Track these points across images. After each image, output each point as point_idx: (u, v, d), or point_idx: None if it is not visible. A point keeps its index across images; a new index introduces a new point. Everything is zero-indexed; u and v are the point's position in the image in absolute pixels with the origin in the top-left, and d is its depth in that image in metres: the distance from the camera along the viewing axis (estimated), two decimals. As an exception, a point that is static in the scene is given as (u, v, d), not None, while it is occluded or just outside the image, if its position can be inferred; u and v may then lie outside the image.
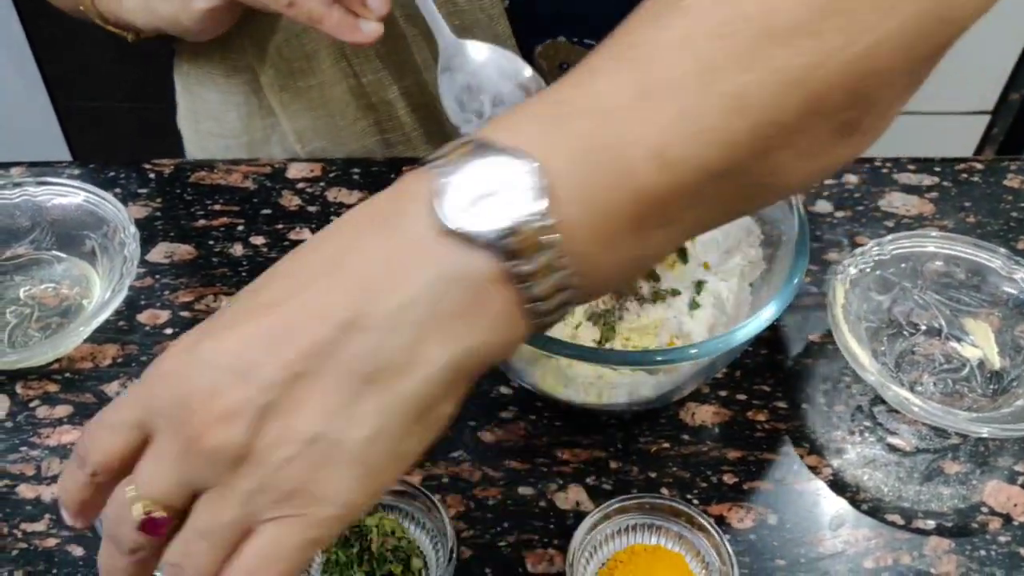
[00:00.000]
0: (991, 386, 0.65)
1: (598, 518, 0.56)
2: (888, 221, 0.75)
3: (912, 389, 0.64)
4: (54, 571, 0.57)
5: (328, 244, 0.38)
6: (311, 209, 0.75)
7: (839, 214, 0.75)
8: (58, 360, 0.66)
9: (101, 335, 0.67)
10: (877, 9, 0.37)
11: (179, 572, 0.37)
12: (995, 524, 0.60)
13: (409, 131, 0.80)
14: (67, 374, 0.66)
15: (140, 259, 0.69)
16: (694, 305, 0.63)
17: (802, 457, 0.62)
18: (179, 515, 0.37)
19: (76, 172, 0.77)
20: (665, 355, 0.55)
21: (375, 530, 0.55)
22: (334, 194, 0.76)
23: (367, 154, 0.81)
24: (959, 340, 0.67)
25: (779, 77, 0.36)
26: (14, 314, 0.69)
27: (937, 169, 0.79)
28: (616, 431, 0.63)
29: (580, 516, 0.58)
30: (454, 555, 0.54)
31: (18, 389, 0.65)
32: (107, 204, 0.69)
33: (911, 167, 0.79)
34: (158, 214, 0.75)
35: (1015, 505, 0.60)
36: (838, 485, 0.61)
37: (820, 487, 0.61)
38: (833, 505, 0.60)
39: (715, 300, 0.63)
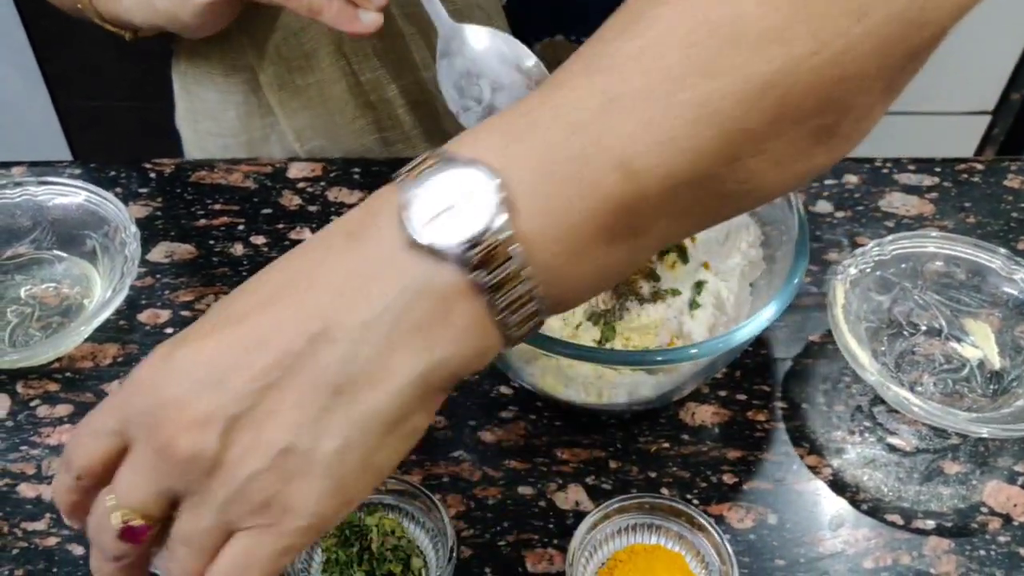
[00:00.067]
0: (991, 386, 0.65)
1: (598, 518, 0.56)
2: (888, 221, 0.75)
3: (912, 389, 0.64)
4: (54, 570, 0.57)
5: (299, 259, 0.38)
6: (311, 209, 0.75)
7: (839, 214, 0.75)
8: (59, 359, 0.66)
9: (102, 334, 0.67)
10: (847, 14, 0.37)
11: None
12: (995, 524, 0.60)
13: (408, 129, 0.80)
14: (68, 373, 0.66)
15: (141, 258, 0.69)
16: (694, 305, 0.63)
17: (802, 457, 0.63)
18: (158, 522, 0.38)
19: (77, 172, 0.77)
20: (665, 355, 0.55)
21: (375, 529, 0.55)
22: (334, 194, 0.76)
23: (366, 152, 0.81)
24: (959, 340, 0.67)
25: (746, 84, 0.36)
26: (15, 313, 0.69)
27: (937, 169, 0.79)
28: (616, 431, 0.63)
29: (580, 516, 0.58)
30: (454, 554, 0.54)
31: (19, 388, 0.65)
32: (108, 204, 0.69)
33: (911, 167, 0.79)
34: (159, 214, 0.75)
35: (1015, 505, 0.60)
36: (838, 485, 0.61)
37: (820, 487, 0.61)
38: (833, 505, 0.60)
39: (715, 300, 0.63)
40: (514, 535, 0.59)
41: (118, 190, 0.76)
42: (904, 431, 0.64)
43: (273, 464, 0.36)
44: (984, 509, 0.60)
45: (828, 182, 0.77)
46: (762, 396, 0.65)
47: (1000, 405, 0.63)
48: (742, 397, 0.65)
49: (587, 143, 0.36)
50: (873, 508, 0.60)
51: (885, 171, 0.78)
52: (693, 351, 0.54)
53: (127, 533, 0.37)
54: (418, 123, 0.80)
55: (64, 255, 0.71)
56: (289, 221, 0.74)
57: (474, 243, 0.35)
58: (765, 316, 0.55)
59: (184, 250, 0.73)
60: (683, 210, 0.39)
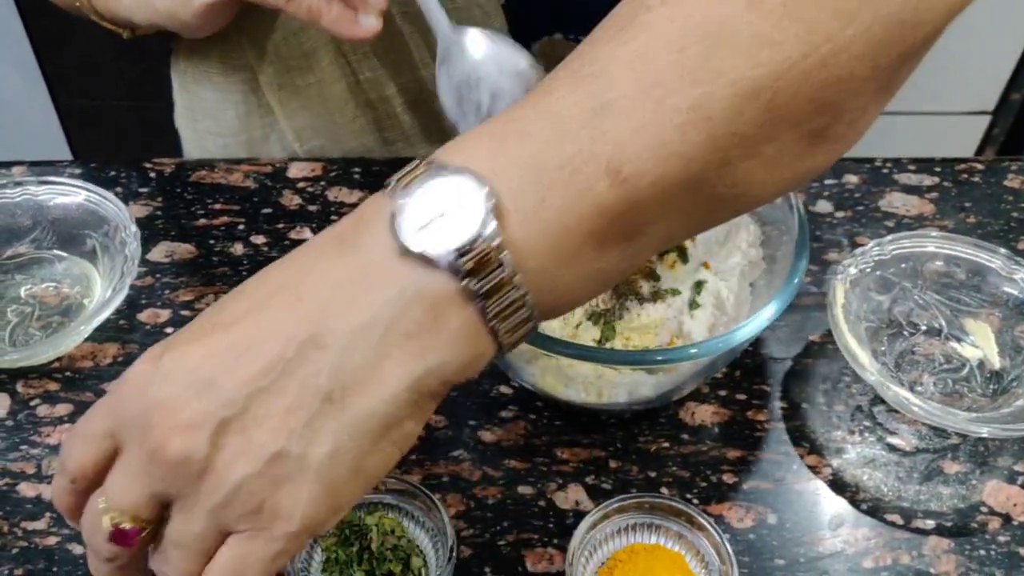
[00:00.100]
0: (991, 386, 0.65)
1: (598, 517, 0.56)
2: (888, 221, 0.75)
3: (912, 389, 0.64)
4: (54, 569, 0.57)
5: (290, 266, 0.38)
6: (312, 208, 0.75)
7: (839, 214, 0.75)
8: (59, 359, 0.66)
9: (102, 334, 0.67)
10: (838, 17, 0.37)
11: None
12: (994, 524, 0.60)
13: (407, 129, 0.80)
14: (68, 373, 0.66)
15: (141, 258, 0.69)
16: (694, 305, 0.63)
17: (802, 457, 0.63)
18: (149, 524, 0.38)
19: (77, 171, 0.77)
20: (665, 355, 0.55)
21: (375, 529, 0.55)
22: (335, 193, 0.76)
23: (365, 152, 0.81)
24: (959, 340, 0.67)
25: (735, 89, 0.36)
26: (15, 313, 0.69)
27: (937, 169, 0.79)
28: (616, 430, 0.63)
29: (580, 515, 0.58)
30: (454, 554, 0.54)
31: (19, 388, 0.65)
32: (108, 203, 0.69)
33: (911, 167, 0.79)
34: (159, 213, 0.75)
35: (1015, 505, 0.61)
36: (838, 485, 0.61)
37: (820, 487, 0.61)
38: (833, 505, 0.60)
39: (715, 300, 0.63)
40: (514, 535, 0.59)
41: (118, 190, 0.76)
42: (904, 431, 0.64)
43: (263, 469, 0.36)
44: (984, 509, 0.60)
45: (828, 182, 0.77)
46: (762, 396, 0.65)
47: (1000, 405, 0.63)
48: (742, 397, 0.65)
49: (576, 149, 0.36)
50: (873, 508, 0.60)
51: (885, 171, 0.79)
52: (693, 351, 0.54)
53: (117, 535, 0.38)
54: (417, 122, 0.80)
55: (64, 255, 0.71)
56: (289, 221, 0.74)
57: (465, 250, 0.35)
58: (765, 316, 0.55)
59: (184, 250, 0.73)
60: (676, 214, 0.39)
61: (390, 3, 0.62)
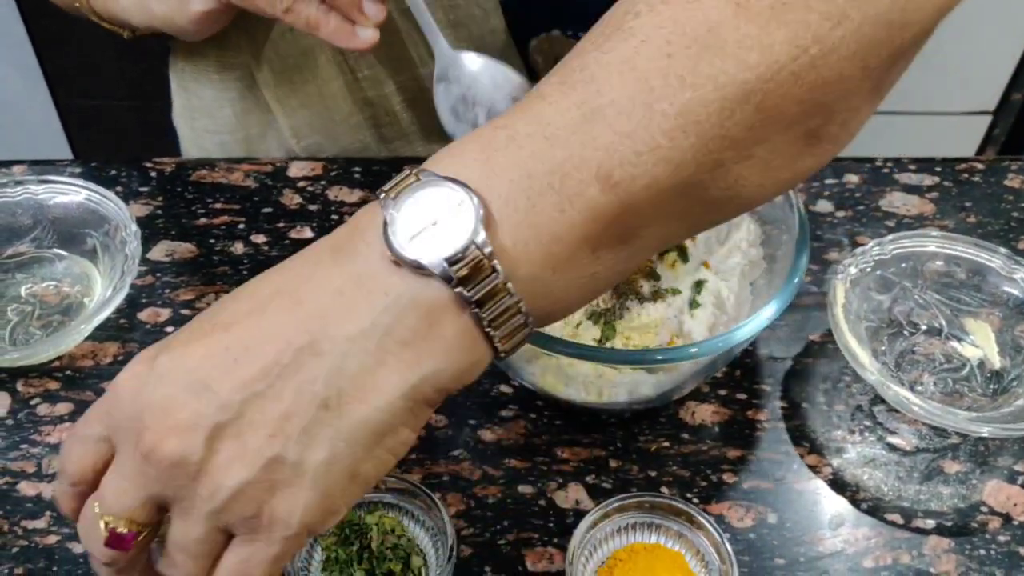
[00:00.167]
0: (991, 386, 0.65)
1: (598, 516, 0.56)
2: (889, 221, 0.75)
3: (912, 389, 0.64)
4: (54, 568, 0.57)
5: (286, 273, 0.39)
6: (312, 208, 0.75)
7: (840, 214, 0.75)
8: (59, 358, 0.66)
9: (102, 333, 0.67)
10: (826, 19, 0.37)
11: None
12: (995, 523, 0.60)
13: (405, 126, 0.80)
14: (68, 372, 0.66)
15: (141, 257, 0.69)
16: (694, 304, 0.63)
17: (802, 456, 0.63)
18: (145, 528, 0.38)
19: (77, 170, 0.77)
20: (665, 354, 0.55)
21: (375, 528, 0.55)
22: (335, 193, 0.76)
23: (363, 149, 0.81)
24: (959, 340, 0.67)
25: (724, 93, 0.36)
26: (15, 312, 0.69)
27: (938, 169, 0.79)
28: (616, 430, 0.63)
29: (580, 514, 0.58)
30: (454, 553, 0.54)
31: (19, 387, 0.65)
32: (108, 202, 0.69)
33: (912, 167, 0.79)
34: (159, 212, 0.75)
35: (1015, 505, 0.60)
36: (838, 484, 0.61)
37: (820, 486, 0.61)
38: (833, 504, 0.60)
39: (715, 299, 0.63)
40: (514, 534, 0.59)
41: (119, 189, 0.76)
42: (904, 430, 0.64)
43: (260, 474, 0.36)
44: (984, 508, 0.60)
45: (829, 181, 0.77)
46: (762, 395, 0.65)
47: (1000, 404, 0.63)
48: (742, 396, 0.65)
49: (568, 155, 0.37)
50: (873, 507, 0.60)
51: (886, 171, 0.78)
52: (693, 350, 0.54)
53: (113, 539, 0.38)
54: (415, 120, 0.80)
55: (65, 254, 0.71)
56: (289, 220, 0.74)
57: (457, 258, 0.36)
58: (765, 315, 0.55)
59: (184, 249, 0.73)
60: (670, 217, 0.39)
61: (388, 1, 0.62)
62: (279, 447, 0.36)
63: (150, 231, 0.73)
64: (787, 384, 0.66)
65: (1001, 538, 0.59)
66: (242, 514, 0.36)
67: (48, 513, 0.59)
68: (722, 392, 0.65)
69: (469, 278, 0.36)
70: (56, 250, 0.71)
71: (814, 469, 0.62)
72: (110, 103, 1.70)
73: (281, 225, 0.74)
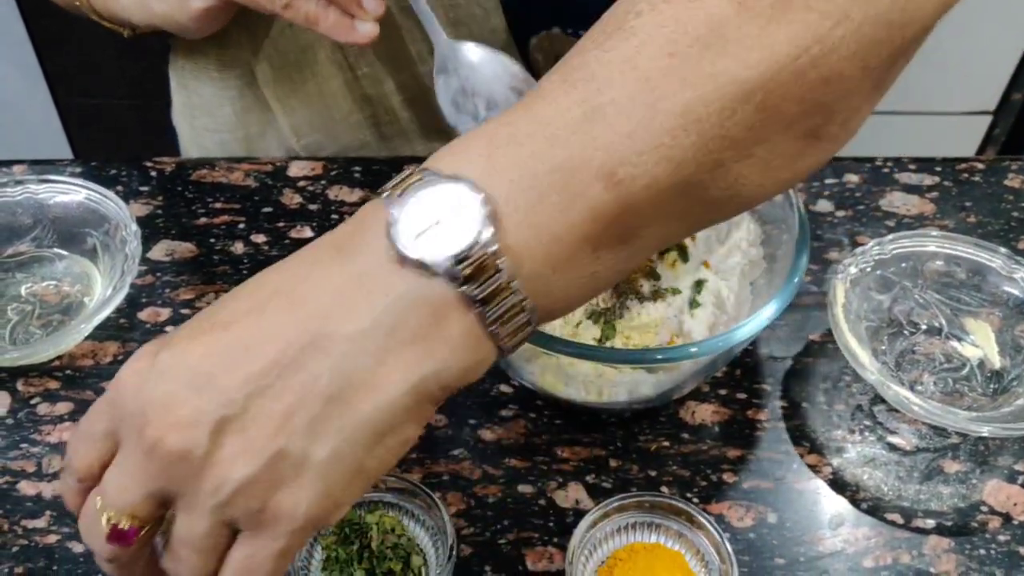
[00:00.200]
0: (991, 385, 0.65)
1: (598, 516, 0.56)
2: (889, 220, 0.75)
3: (912, 388, 0.64)
4: (54, 567, 0.57)
5: (287, 271, 0.39)
6: (312, 207, 0.75)
7: (840, 213, 0.75)
8: (59, 357, 0.66)
9: (102, 332, 0.67)
10: (826, 18, 0.37)
11: None
12: (995, 523, 0.60)
13: (405, 125, 0.80)
14: (68, 371, 0.66)
15: (141, 257, 0.69)
16: (694, 304, 0.63)
17: (802, 456, 0.63)
18: (148, 523, 0.38)
19: (78, 170, 0.77)
20: (665, 353, 0.55)
21: (375, 527, 0.55)
22: (335, 192, 0.76)
23: (362, 147, 0.81)
24: (959, 339, 0.67)
25: (725, 92, 0.37)
26: (15, 311, 0.69)
27: (938, 169, 0.79)
28: (616, 429, 0.63)
29: (580, 514, 0.58)
30: (454, 553, 0.54)
31: (19, 386, 0.65)
32: (108, 202, 0.69)
33: (912, 167, 0.79)
34: (159, 212, 0.75)
35: (1015, 504, 0.60)
36: (838, 484, 0.61)
37: (820, 486, 0.61)
38: (833, 504, 0.60)
39: (715, 299, 0.63)
40: (514, 533, 0.59)
41: (119, 188, 0.76)
42: (904, 430, 0.64)
43: (264, 469, 0.36)
44: (984, 508, 0.60)
45: (829, 181, 0.77)
46: (762, 395, 0.65)
47: (1000, 404, 0.63)
48: (742, 396, 0.65)
49: (569, 154, 0.37)
50: (873, 507, 0.60)
51: (886, 170, 0.78)
52: (693, 350, 0.54)
53: (115, 535, 0.37)
54: (415, 118, 0.80)
55: (65, 253, 0.71)
56: (290, 220, 0.74)
57: (462, 257, 0.36)
58: (765, 315, 0.55)
59: (185, 248, 0.73)
60: (671, 216, 0.39)
61: None
62: (284, 441, 0.36)
63: (150, 230, 0.73)
64: (787, 384, 0.66)
65: (1001, 538, 0.59)
66: (247, 508, 0.36)
67: (48, 512, 0.59)
68: (722, 392, 0.65)
69: (474, 276, 0.36)
70: (56, 249, 0.71)
71: (814, 469, 0.62)
72: (110, 102, 1.70)
73: (281, 225, 0.74)
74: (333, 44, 0.76)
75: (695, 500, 0.60)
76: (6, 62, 1.63)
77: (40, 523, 0.59)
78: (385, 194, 0.37)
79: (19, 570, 0.57)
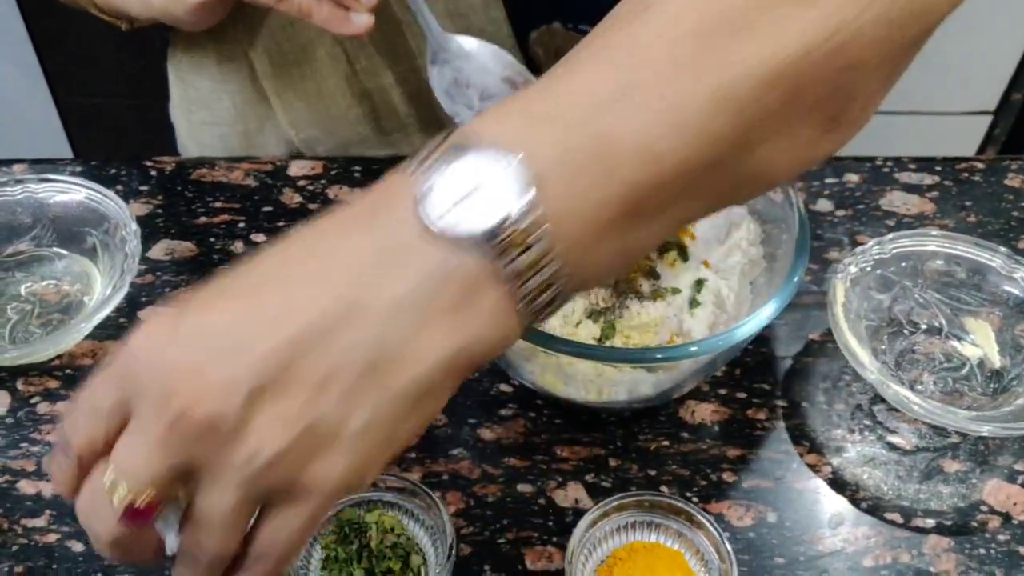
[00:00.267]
0: (991, 385, 0.65)
1: (597, 515, 0.56)
2: (889, 220, 0.75)
3: (912, 388, 0.64)
4: (54, 567, 0.57)
5: (313, 237, 0.37)
6: (312, 207, 0.75)
7: (840, 213, 0.75)
8: (59, 356, 0.66)
9: (102, 332, 0.67)
10: (854, 4, 0.37)
11: (194, 559, 0.37)
12: (994, 523, 0.60)
13: (404, 118, 0.80)
14: (68, 370, 0.66)
15: (141, 256, 0.69)
16: (694, 303, 0.63)
17: (802, 455, 0.63)
18: (165, 500, 0.36)
19: (78, 169, 0.77)
20: (665, 353, 0.55)
21: (374, 527, 0.55)
22: (335, 192, 0.76)
23: (361, 141, 0.81)
24: (959, 339, 0.67)
25: (760, 72, 0.37)
26: (15, 310, 0.69)
27: (938, 168, 0.79)
28: (616, 429, 0.63)
29: (579, 513, 0.58)
30: (453, 552, 0.54)
31: (19, 385, 0.65)
32: (108, 201, 0.69)
33: (912, 166, 0.79)
34: (159, 211, 0.75)
35: (1015, 504, 0.60)
36: (837, 483, 0.61)
37: (819, 485, 0.61)
38: (832, 503, 0.60)
39: (715, 298, 0.63)
40: (513, 533, 0.59)
41: (119, 187, 0.76)
42: (904, 430, 0.64)
43: (297, 441, 0.35)
44: (984, 508, 0.60)
45: (829, 181, 0.77)
46: (762, 394, 0.65)
47: (1000, 404, 0.63)
48: (742, 395, 0.65)
49: (605, 128, 0.36)
50: (873, 506, 0.60)
51: (886, 170, 0.78)
52: (693, 349, 0.54)
53: (131, 513, 0.35)
54: (414, 112, 0.80)
55: (65, 252, 0.71)
56: (290, 219, 0.74)
57: (497, 230, 0.35)
58: (765, 314, 0.55)
59: (184, 248, 0.73)
60: (697, 194, 0.39)
61: None
62: (319, 412, 0.35)
63: (150, 230, 0.73)
64: (787, 383, 0.66)
65: (1001, 537, 0.59)
66: (279, 480, 0.35)
67: (48, 511, 0.59)
68: (722, 391, 0.65)
69: (509, 249, 0.35)
70: (56, 249, 0.71)
71: (814, 468, 0.62)
72: (110, 101, 1.70)
73: (281, 224, 0.74)
74: (333, 39, 0.76)
75: (695, 499, 0.60)
76: (6, 61, 1.62)
77: (40, 522, 0.59)
78: (417, 161, 0.37)
79: (19, 569, 0.57)
